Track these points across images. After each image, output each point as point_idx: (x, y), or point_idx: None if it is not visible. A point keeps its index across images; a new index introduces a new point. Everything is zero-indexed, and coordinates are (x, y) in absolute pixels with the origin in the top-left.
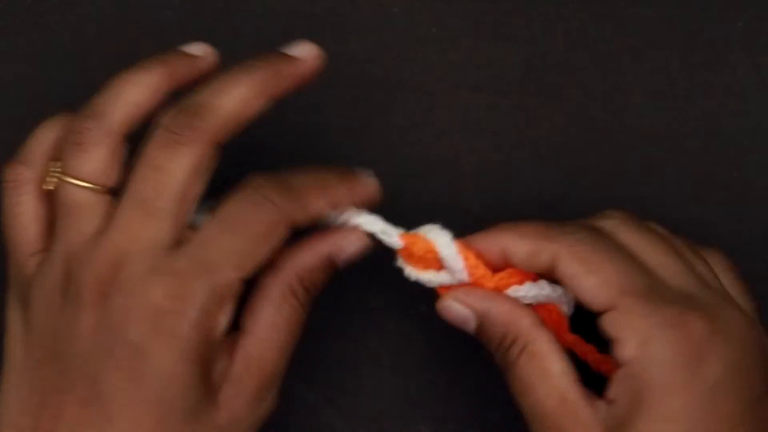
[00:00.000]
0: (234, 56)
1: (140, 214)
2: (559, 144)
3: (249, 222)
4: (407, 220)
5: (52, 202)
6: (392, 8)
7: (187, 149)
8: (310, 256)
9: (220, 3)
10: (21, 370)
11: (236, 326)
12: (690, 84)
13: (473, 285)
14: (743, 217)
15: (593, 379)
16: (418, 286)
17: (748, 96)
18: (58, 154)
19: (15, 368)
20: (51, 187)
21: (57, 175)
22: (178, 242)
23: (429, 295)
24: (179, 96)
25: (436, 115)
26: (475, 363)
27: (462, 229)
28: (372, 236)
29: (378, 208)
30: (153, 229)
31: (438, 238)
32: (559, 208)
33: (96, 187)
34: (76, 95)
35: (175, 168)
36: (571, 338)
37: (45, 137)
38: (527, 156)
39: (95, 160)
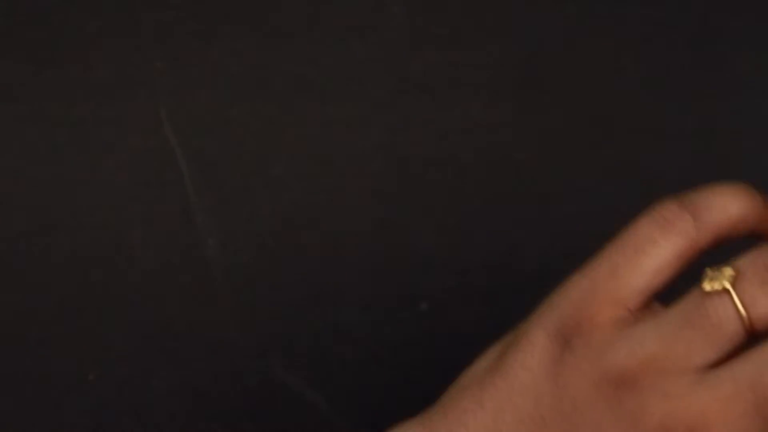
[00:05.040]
0: (234, 56)
1: (749, 398)
2: (559, 144)
3: None
4: (407, 220)
5: (674, 280)
6: (392, 8)
7: None
8: None
9: (220, 2)
10: (506, 396)
11: None
12: (690, 84)
13: None
14: None
15: None
16: (418, 286)
17: (748, 96)
18: (738, 263)
19: (501, 388)
20: (709, 288)
21: (726, 281)
22: None
23: (429, 294)
24: None
25: (436, 115)
26: None
27: (462, 230)
28: None
29: (377, 207)
30: (749, 425)
31: None
32: (560, 208)
33: (748, 326)
34: (76, 95)
35: None
36: None
37: (726, 211)
38: (527, 156)
39: None
